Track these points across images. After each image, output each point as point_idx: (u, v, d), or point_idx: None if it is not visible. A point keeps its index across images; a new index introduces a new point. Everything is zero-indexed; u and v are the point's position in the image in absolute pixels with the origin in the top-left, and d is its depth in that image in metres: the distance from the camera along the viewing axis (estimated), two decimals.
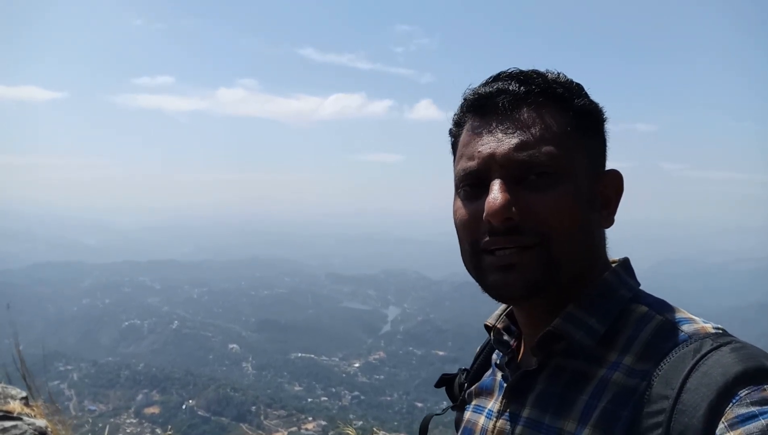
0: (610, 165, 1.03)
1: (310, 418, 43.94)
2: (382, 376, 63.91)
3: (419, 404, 52.81)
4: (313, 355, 68.36)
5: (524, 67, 1.02)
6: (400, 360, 69.01)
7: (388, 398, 56.24)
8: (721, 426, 0.76)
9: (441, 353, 69.24)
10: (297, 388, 57.44)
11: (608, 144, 1.05)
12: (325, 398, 54.31)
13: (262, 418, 44.69)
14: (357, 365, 66.74)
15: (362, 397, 55.14)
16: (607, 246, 1.05)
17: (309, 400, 52.62)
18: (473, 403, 1.15)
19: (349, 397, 54.87)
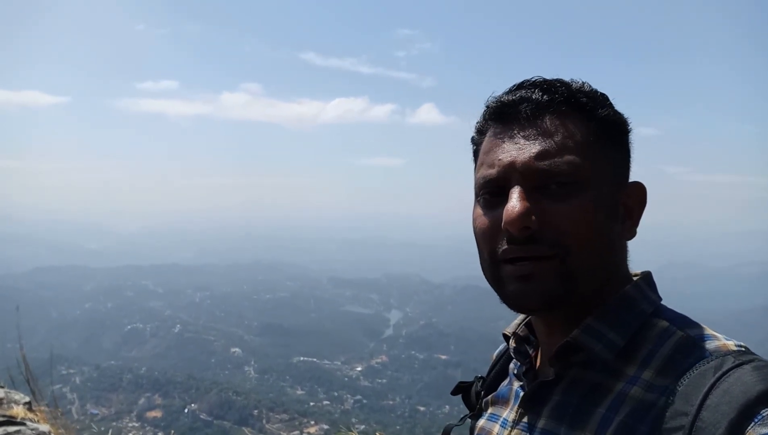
0: (635, 180, 1.01)
1: (313, 422, 43.88)
2: (384, 380, 63.81)
3: (422, 408, 52.74)
4: (315, 359, 68.28)
5: (548, 76, 1.01)
6: (403, 364, 68.91)
7: (391, 402, 56.12)
8: None
9: (443, 357, 69.13)
10: (299, 392, 57.35)
11: (632, 155, 1.03)
12: (328, 402, 54.20)
13: (264, 422, 44.66)
14: (359, 369, 66.66)
15: (364, 401, 55.02)
16: (628, 259, 1.03)
17: (311, 404, 52.50)
18: (489, 411, 1.14)
19: (352, 401, 54.77)
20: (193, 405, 48.28)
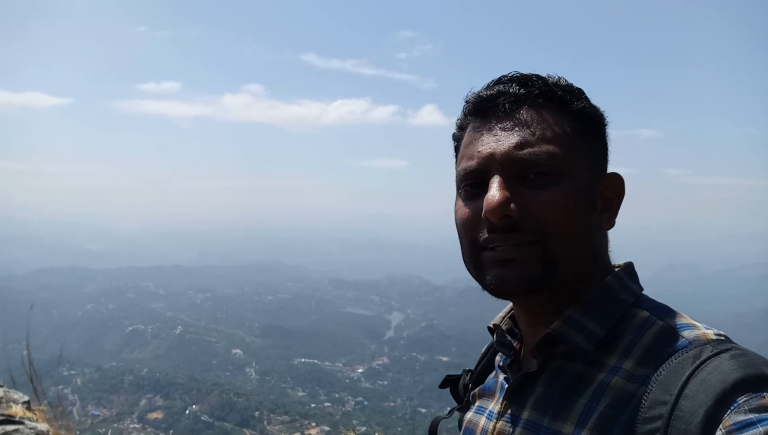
0: (613, 170, 1.04)
1: (314, 424, 43.84)
2: (385, 382, 63.81)
3: (423, 410, 52.66)
4: (316, 361, 68.27)
5: (525, 72, 1.04)
6: (404, 366, 68.87)
7: (392, 404, 56.07)
8: (718, 433, 0.76)
9: (445, 359, 69.07)
10: (300, 394, 57.34)
11: (611, 149, 1.05)
12: (329, 404, 54.19)
13: (265, 423, 44.68)
14: (360, 371, 66.65)
15: (366, 403, 54.98)
16: (610, 250, 1.05)
17: (312, 405, 52.49)
18: (476, 404, 1.16)
19: (353, 403, 54.74)
20: (194, 406, 48.28)
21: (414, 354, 72.93)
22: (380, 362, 70.08)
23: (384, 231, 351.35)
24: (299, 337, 79.79)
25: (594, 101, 1.04)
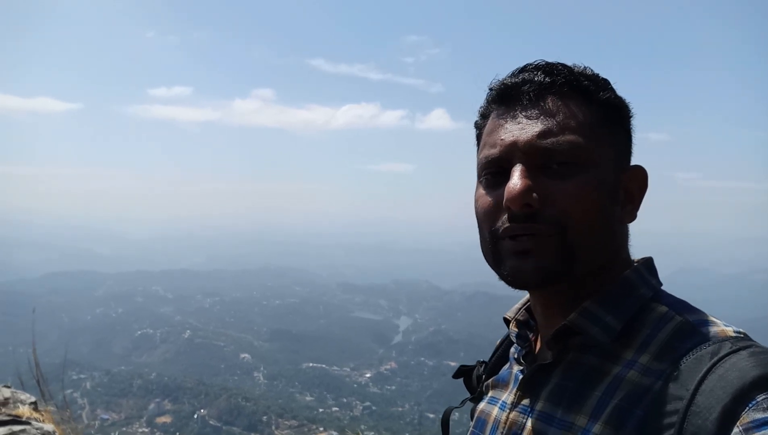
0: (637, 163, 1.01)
1: (322, 429, 43.78)
2: (393, 387, 63.65)
3: (431, 415, 52.49)
4: (324, 365, 68.23)
5: (551, 60, 1.03)
6: (412, 370, 68.70)
7: (400, 409, 55.94)
8: (735, 430, 0.75)
9: (453, 364, 68.68)
10: (308, 398, 57.32)
11: (633, 140, 1.04)
12: (337, 408, 54.13)
13: (273, 428, 44.63)
14: (368, 375, 66.51)
15: (373, 408, 54.88)
16: (630, 244, 1.04)
17: (320, 410, 52.46)
18: (489, 395, 1.16)
19: (361, 408, 54.64)
20: (202, 410, 48.36)
21: (422, 359, 72.74)
22: (388, 367, 69.90)
23: (391, 235, 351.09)
24: (307, 342, 79.81)
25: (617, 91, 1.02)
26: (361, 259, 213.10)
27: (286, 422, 45.45)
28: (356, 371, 68.19)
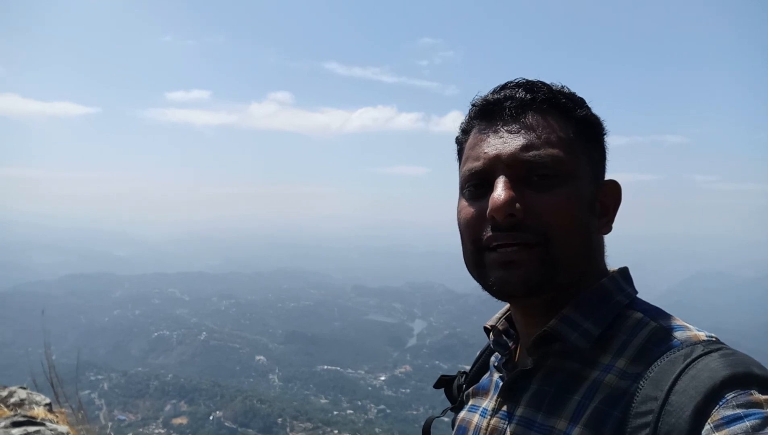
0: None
1: (336, 431, 43.75)
2: (408, 390, 63.44)
3: (446, 419, 52.21)
4: (339, 368, 68.24)
5: (531, 78, 1.07)
6: (427, 374, 68.40)
7: (414, 412, 55.71)
8: (707, 427, 0.78)
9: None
10: (323, 401, 57.32)
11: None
12: (351, 411, 54.05)
13: (288, 430, 44.68)
14: (383, 378, 66.40)
15: (388, 411, 54.74)
16: (606, 255, 1.07)
17: (335, 412, 52.42)
18: (469, 403, 1.19)
19: (375, 411, 54.53)
20: (218, 412, 48.55)
21: (437, 362, 72.43)
22: (403, 370, 69.72)
23: (405, 238, 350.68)
24: (322, 344, 79.85)
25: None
26: (375, 262, 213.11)
27: (301, 424, 45.47)
28: (371, 374, 68.11)
